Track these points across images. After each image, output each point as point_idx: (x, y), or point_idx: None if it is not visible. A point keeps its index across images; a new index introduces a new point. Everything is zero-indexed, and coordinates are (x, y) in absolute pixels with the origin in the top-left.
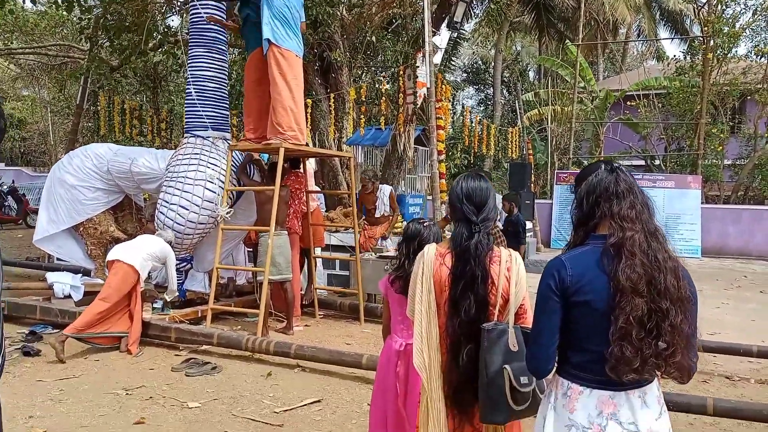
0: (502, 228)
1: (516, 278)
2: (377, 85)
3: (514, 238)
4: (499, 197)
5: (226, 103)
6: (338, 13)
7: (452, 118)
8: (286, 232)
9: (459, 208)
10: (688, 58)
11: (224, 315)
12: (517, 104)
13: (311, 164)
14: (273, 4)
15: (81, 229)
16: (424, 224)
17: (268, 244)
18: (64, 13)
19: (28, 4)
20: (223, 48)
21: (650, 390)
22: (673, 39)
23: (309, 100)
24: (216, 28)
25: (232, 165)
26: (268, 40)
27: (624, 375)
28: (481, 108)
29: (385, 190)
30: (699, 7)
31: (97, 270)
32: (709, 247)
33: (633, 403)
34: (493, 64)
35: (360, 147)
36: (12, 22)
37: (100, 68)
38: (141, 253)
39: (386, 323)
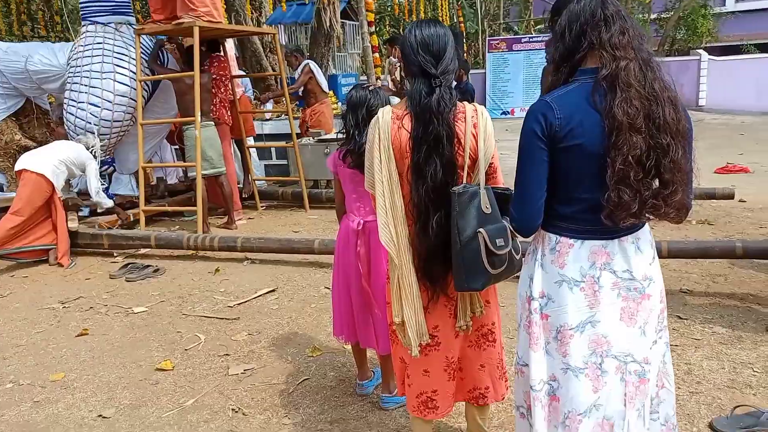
0: None
1: (484, 135)
2: None
3: None
4: None
5: None
6: None
7: None
8: (212, 123)
9: (414, 59)
10: None
11: (159, 217)
12: None
13: (231, 48)
14: None
15: None
16: (370, 89)
17: (195, 136)
18: None
19: None
20: None
21: (643, 234)
22: None
23: None
24: None
25: (142, 53)
26: None
27: (622, 221)
28: None
29: (301, 65)
30: None
31: (10, 183)
32: None
33: (627, 250)
34: None
35: (282, 26)
36: None
37: None
38: (51, 160)
39: (339, 203)
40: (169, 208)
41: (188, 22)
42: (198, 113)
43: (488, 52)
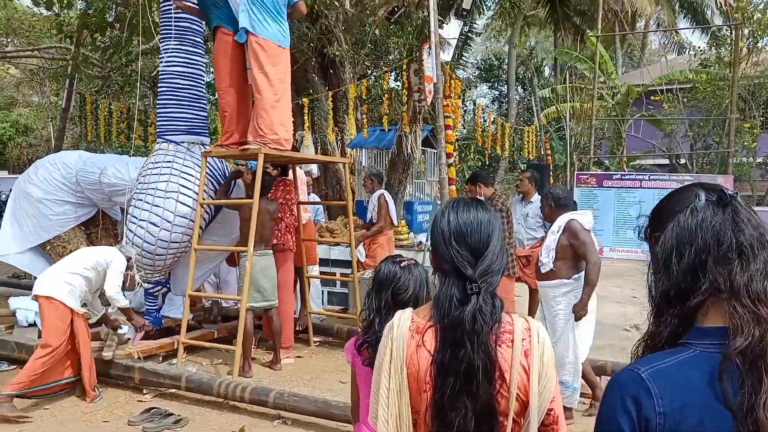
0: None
1: (539, 367)
2: (380, 81)
3: None
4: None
5: (202, 103)
6: (336, 3)
7: (464, 117)
8: (271, 252)
9: (445, 253)
10: (713, 49)
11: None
12: (533, 101)
13: (313, 170)
14: None
15: (48, 247)
16: (402, 264)
17: (251, 265)
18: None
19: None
20: (199, 40)
21: None
22: (700, 29)
23: (306, 99)
24: (188, 17)
25: (212, 175)
26: (245, 29)
27: None
28: (495, 106)
29: (376, 194)
30: None
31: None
32: None
33: None
34: (506, 59)
35: (365, 150)
36: (6, 24)
37: (85, 70)
38: (62, 276)
39: (354, 404)
40: (206, 344)
41: (254, 149)
42: (251, 243)
43: (576, 186)
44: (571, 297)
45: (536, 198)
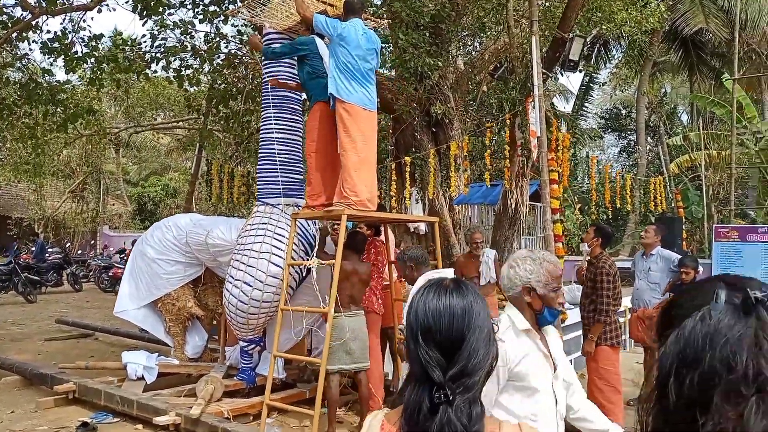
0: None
1: None
2: (482, 137)
3: None
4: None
5: (298, 167)
6: (440, 63)
7: (578, 168)
8: (362, 312)
9: (413, 351)
10: None
11: (301, 403)
12: (660, 150)
13: (420, 227)
14: (338, 57)
15: (159, 304)
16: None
17: (334, 326)
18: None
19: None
20: (297, 108)
21: None
22: None
23: (408, 158)
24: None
25: (301, 235)
26: (332, 95)
27: None
28: (624, 156)
29: (490, 254)
30: None
31: (175, 348)
32: None
33: None
34: (636, 107)
35: (474, 206)
36: (154, 100)
37: (209, 139)
38: None
39: None
40: (288, 407)
41: (338, 210)
42: (332, 303)
43: (715, 240)
44: None
45: (657, 251)
